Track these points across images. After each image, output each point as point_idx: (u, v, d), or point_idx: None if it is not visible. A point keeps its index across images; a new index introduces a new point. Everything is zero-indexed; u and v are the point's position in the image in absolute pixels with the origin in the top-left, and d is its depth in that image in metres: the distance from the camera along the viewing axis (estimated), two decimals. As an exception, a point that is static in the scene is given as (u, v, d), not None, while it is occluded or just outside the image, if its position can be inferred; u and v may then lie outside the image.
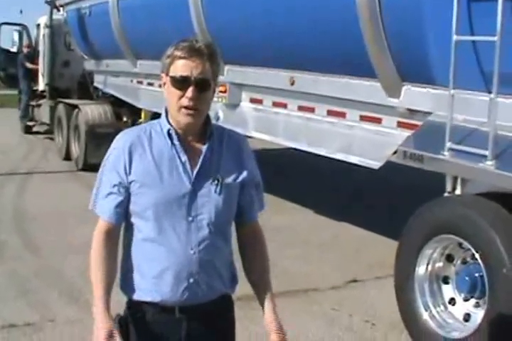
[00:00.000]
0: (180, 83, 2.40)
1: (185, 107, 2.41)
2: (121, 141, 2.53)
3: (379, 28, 5.28)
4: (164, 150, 2.48)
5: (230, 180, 2.51)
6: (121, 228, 2.57)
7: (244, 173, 2.55)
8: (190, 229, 2.45)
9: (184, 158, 2.47)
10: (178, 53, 2.40)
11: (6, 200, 9.50)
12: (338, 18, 5.76)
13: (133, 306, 2.54)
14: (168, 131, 2.48)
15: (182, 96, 2.41)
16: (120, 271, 2.57)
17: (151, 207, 2.44)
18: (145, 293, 2.49)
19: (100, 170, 2.56)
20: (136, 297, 2.52)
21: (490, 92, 4.36)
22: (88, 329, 4.94)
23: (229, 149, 2.56)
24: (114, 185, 2.48)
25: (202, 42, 2.44)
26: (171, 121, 2.49)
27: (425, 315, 4.78)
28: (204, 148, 2.50)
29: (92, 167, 11.39)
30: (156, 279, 2.46)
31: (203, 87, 2.41)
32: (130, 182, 2.46)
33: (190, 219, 2.46)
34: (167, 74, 2.45)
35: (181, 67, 2.40)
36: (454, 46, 4.51)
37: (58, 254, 6.92)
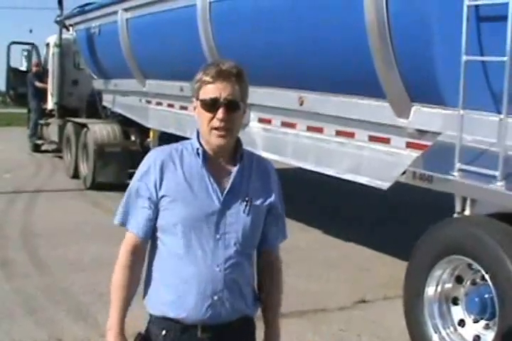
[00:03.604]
0: (210, 105, 2.45)
1: (216, 128, 2.45)
2: (153, 157, 2.56)
3: (388, 48, 5.30)
4: (194, 169, 2.51)
5: (258, 202, 2.54)
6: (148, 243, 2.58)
7: (271, 198, 2.59)
8: (217, 246, 2.47)
9: (214, 177, 2.50)
10: (207, 78, 2.46)
11: (15, 218, 9.51)
12: (347, 38, 5.78)
13: (155, 322, 2.54)
14: (197, 150, 2.51)
15: (213, 118, 2.45)
16: (144, 286, 2.58)
17: (180, 223, 2.46)
18: (168, 308, 2.49)
19: (130, 185, 2.59)
20: (159, 312, 2.52)
21: (500, 113, 4.35)
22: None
23: (257, 173, 2.60)
24: (144, 200, 2.51)
25: (229, 64, 2.50)
26: (202, 141, 2.53)
27: (435, 337, 4.74)
28: (235, 169, 2.53)
29: (100, 185, 11.47)
30: (180, 295, 2.46)
31: (232, 107, 2.45)
32: (160, 198, 2.49)
33: (218, 237, 2.47)
34: (197, 99, 2.50)
35: (210, 90, 2.45)
36: (463, 66, 4.52)
37: (65, 272, 6.91)
